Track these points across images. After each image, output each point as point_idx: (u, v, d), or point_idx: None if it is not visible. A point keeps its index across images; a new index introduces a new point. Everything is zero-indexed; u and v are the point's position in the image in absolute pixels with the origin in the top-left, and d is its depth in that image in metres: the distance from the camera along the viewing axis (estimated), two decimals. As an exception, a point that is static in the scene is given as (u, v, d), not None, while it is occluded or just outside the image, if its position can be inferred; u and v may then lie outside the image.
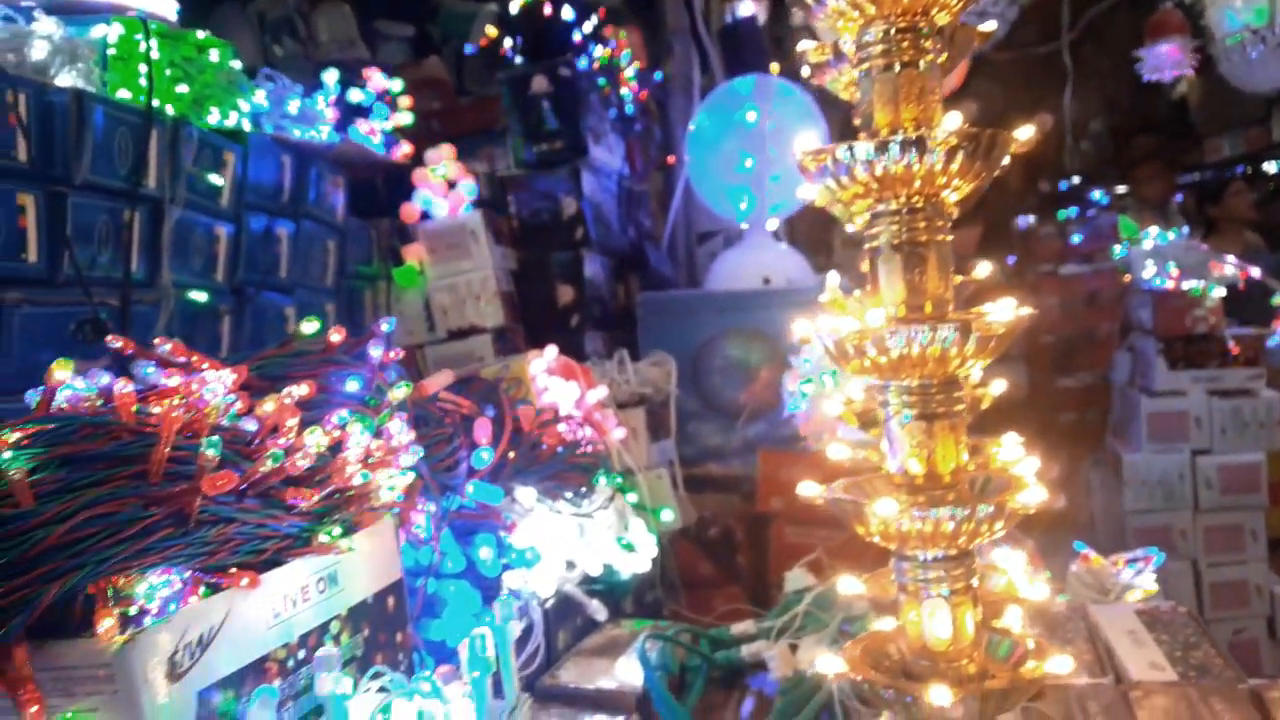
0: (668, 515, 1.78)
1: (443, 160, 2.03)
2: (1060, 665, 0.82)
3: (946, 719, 0.83)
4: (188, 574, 0.71)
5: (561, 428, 1.31)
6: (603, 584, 1.41)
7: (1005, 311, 0.81)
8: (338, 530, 0.81)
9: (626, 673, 1.22)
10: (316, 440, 0.76)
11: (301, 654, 0.79)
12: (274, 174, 1.68)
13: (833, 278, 1.22)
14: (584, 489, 1.33)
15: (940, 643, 0.85)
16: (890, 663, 0.89)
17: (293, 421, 0.77)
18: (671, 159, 2.71)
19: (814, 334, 0.86)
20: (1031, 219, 3.78)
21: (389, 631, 0.89)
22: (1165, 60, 3.45)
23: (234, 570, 0.73)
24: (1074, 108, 4.06)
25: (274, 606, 0.77)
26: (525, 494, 1.28)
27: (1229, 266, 2.79)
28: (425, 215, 2.03)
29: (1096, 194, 3.88)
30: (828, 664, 0.88)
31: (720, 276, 2.54)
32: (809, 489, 0.89)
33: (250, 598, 0.74)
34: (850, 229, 1.16)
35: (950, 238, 0.85)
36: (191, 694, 0.68)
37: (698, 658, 1.25)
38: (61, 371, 0.68)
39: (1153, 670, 1.25)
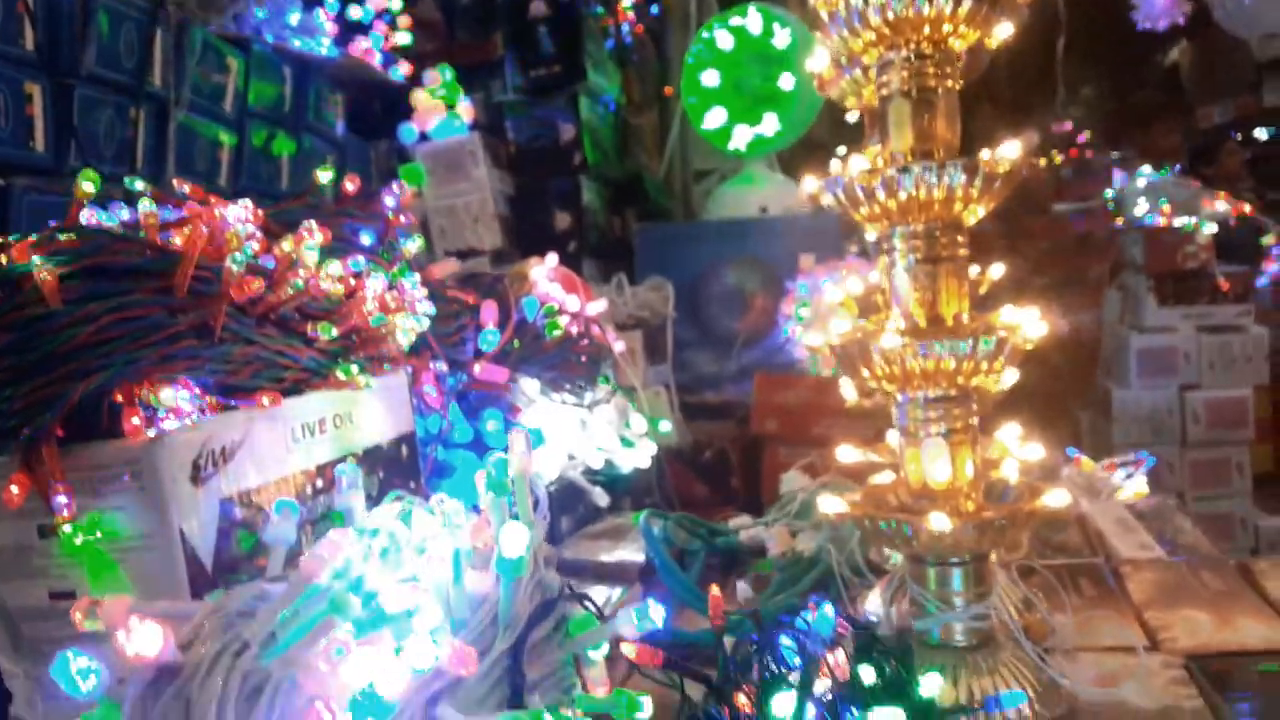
0: (665, 426, 1.80)
1: (441, 81, 2.03)
2: (1057, 498, 0.85)
3: (944, 548, 0.85)
4: (210, 394, 0.72)
5: (564, 319, 1.32)
6: (603, 477, 1.43)
7: (1010, 150, 0.83)
8: (355, 369, 0.82)
9: (629, 552, 1.24)
10: (334, 271, 0.78)
11: (319, 483, 0.81)
12: (276, 86, 1.68)
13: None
14: (585, 383, 1.35)
15: (940, 484, 0.88)
16: (890, 507, 0.91)
17: (311, 259, 0.78)
18: (669, 90, 2.72)
19: (824, 185, 0.88)
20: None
21: (403, 478, 0.91)
22: (1158, 9, 3.47)
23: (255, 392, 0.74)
24: (1066, 69, 4.06)
25: (293, 433, 0.78)
26: (529, 384, 1.30)
27: (1220, 203, 2.82)
28: (424, 137, 2.03)
29: (1087, 135, 3.89)
30: (829, 504, 0.90)
31: (717, 207, 2.55)
32: (814, 339, 0.91)
33: (270, 421, 0.76)
34: (852, 117, 1.18)
35: (958, 85, 0.87)
36: (214, 501, 0.70)
37: (697, 540, 1.28)
38: (88, 183, 0.69)
39: (1142, 550, 1.28)
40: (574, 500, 1.35)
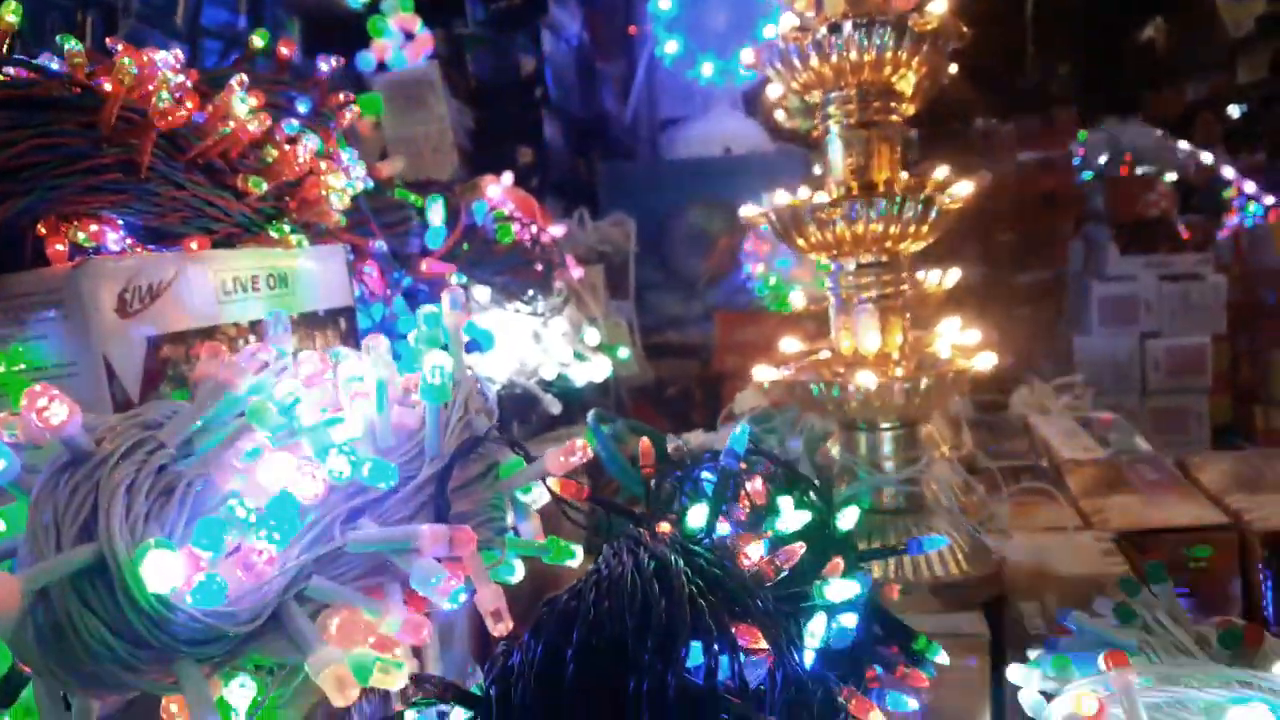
0: (624, 352, 1.81)
1: (399, 10, 2.02)
2: (985, 360, 0.86)
3: (873, 410, 0.87)
4: (138, 239, 0.73)
5: (516, 228, 1.32)
6: (557, 389, 1.44)
7: (938, 6, 0.84)
8: (287, 228, 0.83)
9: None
10: (262, 122, 0.78)
11: (252, 338, 0.81)
12: (230, 6, 1.67)
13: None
14: (538, 292, 1.36)
15: (870, 350, 0.89)
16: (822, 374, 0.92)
17: (242, 110, 0.78)
18: (633, 29, 2.71)
19: (760, 52, 0.89)
20: (993, 121, 3.81)
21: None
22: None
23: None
24: (1043, 50, 4.07)
25: (224, 285, 0.78)
26: (480, 291, 1.30)
27: (1181, 152, 2.84)
28: (382, 66, 2.02)
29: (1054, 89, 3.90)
30: (763, 373, 0.91)
31: (682, 146, 2.55)
32: (750, 210, 0.92)
33: (201, 268, 0.76)
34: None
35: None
36: (142, 336, 0.70)
37: (648, 443, 1.28)
38: (11, 15, 0.69)
39: (1084, 451, 1.30)
40: (526, 409, 1.35)
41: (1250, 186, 3.22)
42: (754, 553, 0.58)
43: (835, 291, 0.90)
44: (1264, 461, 1.18)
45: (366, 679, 0.57)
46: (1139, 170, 2.89)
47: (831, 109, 0.88)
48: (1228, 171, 3.19)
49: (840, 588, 0.58)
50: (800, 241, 0.88)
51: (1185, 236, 2.93)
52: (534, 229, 1.37)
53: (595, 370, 1.49)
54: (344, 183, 0.86)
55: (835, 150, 0.88)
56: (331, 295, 0.93)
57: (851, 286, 0.88)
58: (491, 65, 2.22)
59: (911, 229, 0.84)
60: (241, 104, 0.78)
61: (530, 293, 1.35)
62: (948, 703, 0.77)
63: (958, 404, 1.61)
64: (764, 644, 0.52)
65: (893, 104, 0.87)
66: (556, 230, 1.72)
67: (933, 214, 0.83)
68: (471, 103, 2.22)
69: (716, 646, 0.50)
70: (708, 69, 2.50)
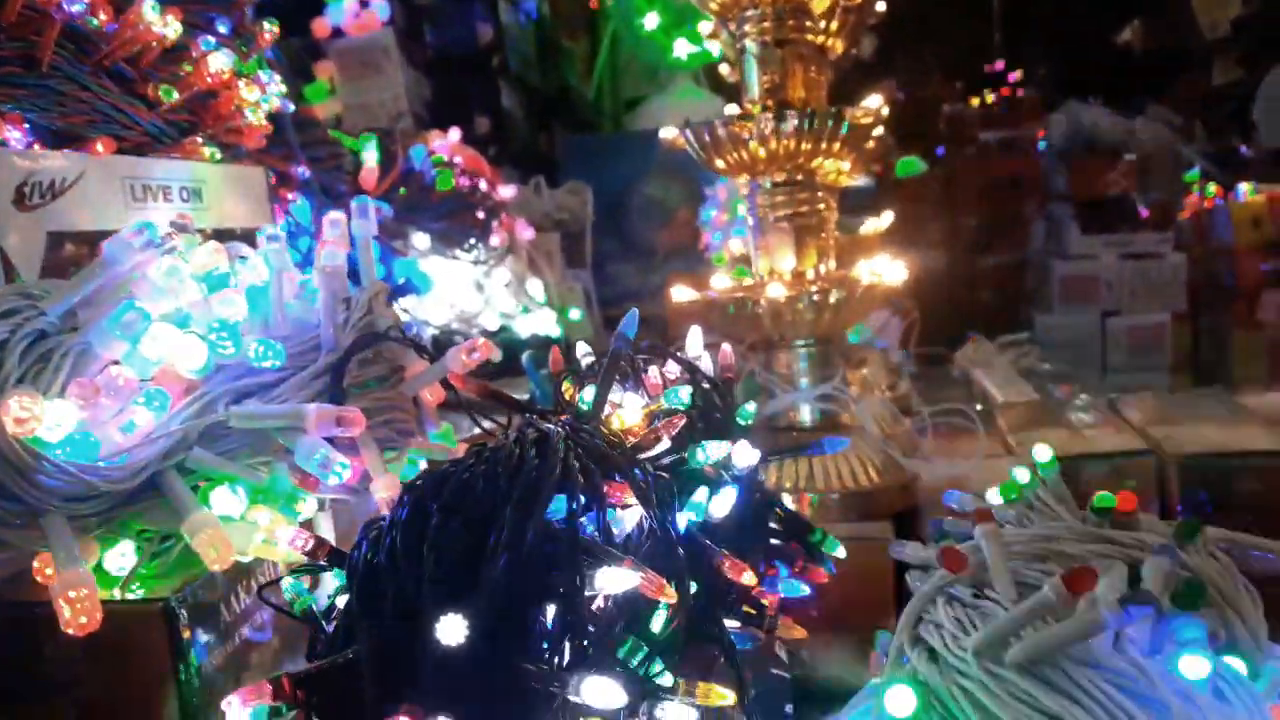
0: (575, 314, 1.81)
1: (354, -23, 2.02)
2: (895, 272, 0.87)
3: (787, 324, 0.87)
4: (43, 141, 0.73)
5: (455, 174, 1.33)
6: (501, 340, 1.44)
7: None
8: (199, 140, 0.83)
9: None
10: (175, 30, 0.78)
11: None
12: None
13: None
14: (478, 239, 1.36)
15: (786, 269, 0.90)
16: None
17: (154, 19, 0.78)
18: (594, 2, 2.72)
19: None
20: (959, 105, 3.83)
21: (258, 269, 0.91)
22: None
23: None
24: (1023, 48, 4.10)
25: (133, 191, 0.78)
26: (420, 237, 1.31)
27: (1139, 129, 2.87)
28: (337, 32, 2.02)
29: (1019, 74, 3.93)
30: (680, 294, 0.92)
31: (643, 120, 2.56)
32: (669, 131, 0.92)
33: (107, 171, 0.76)
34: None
35: None
36: (41, 231, 0.70)
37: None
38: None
39: (1019, 395, 1.31)
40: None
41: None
42: (637, 426, 0.59)
43: (753, 212, 0.91)
44: (1190, 400, 1.19)
45: (241, 547, 0.57)
46: (1099, 148, 2.91)
47: (747, 27, 0.88)
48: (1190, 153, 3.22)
49: (713, 449, 0.58)
50: (720, 163, 0.89)
51: (1145, 215, 2.95)
52: (475, 177, 1.37)
53: (540, 323, 1.50)
54: (258, 96, 0.86)
55: (751, 69, 0.89)
56: (250, 215, 0.93)
57: (767, 206, 0.89)
58: (449, 35, 2.22)
59: (824, 145, 0.85)
60: (154, 13, 0.78)
61: (471, 241, 1.36)
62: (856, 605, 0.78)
63: (900, 355, 1.63)
64: (633, 501, 0.53)
65: (807, 23, 0.88)
66: (507, 191, 1.73)
67: (843, 130, 0.84)
68: (429, 72, 2.22)
69: (582, 499, 0.51)
70: (681, 46, 2.50)
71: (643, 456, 0.59)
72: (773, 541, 0.72)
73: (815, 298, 0.84)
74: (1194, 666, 0.42)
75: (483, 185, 1.40)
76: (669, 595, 0.48)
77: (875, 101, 0.84)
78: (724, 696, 0.51)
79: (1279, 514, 0.94)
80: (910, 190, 3.97)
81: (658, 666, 0.50)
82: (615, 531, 0.53)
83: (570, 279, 2.15)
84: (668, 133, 0.92)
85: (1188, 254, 3.09)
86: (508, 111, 2.24)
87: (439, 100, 2.22)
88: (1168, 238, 2.97)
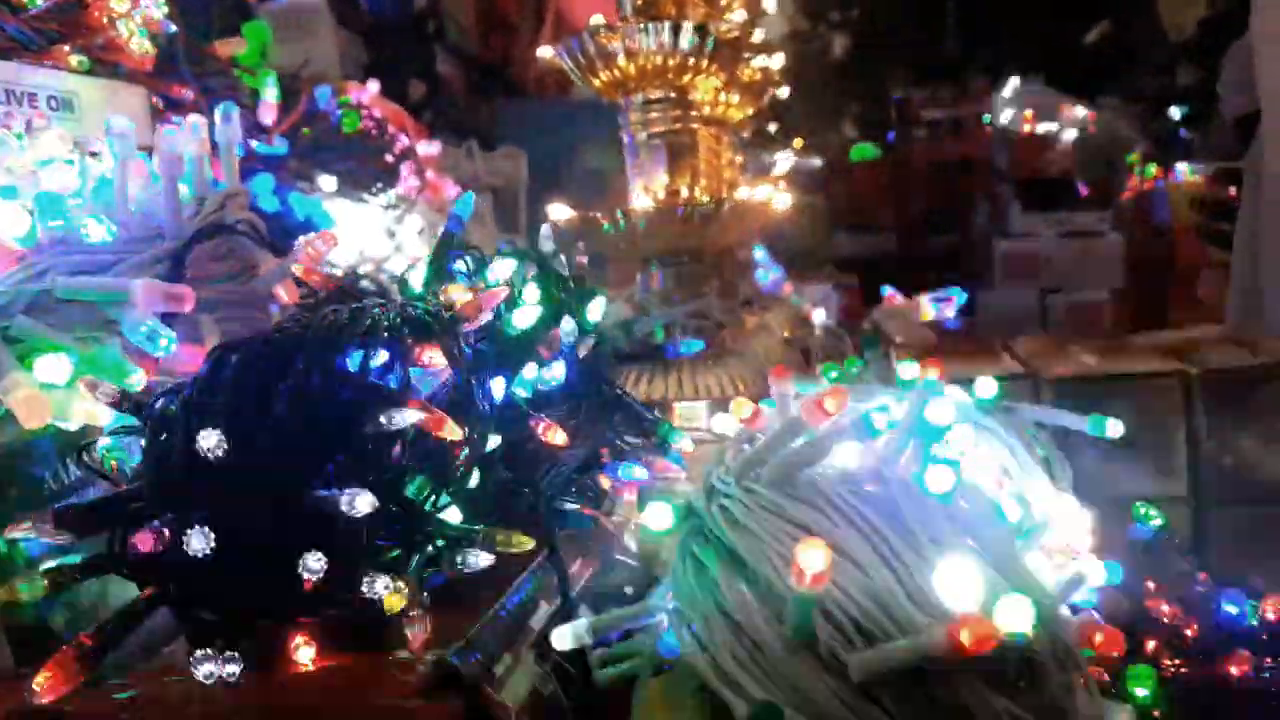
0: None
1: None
2: (779, 200, 0.89)
3: (657, 240, 0.89)
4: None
5: (359, 116, 1.33)
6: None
7: None
8: (66, 49, 0.83)
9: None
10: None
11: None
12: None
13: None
14: (386, 183, 1.36)
15: (660, 185, 0.91)
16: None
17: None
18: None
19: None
20: (909, 90, 3.87)
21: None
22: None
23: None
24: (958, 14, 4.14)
25: (-6, 93, 0.78)
26: (326, 180, 1.31)
27: (1079, 110, 2.90)
28: (269, -8, 2.02)
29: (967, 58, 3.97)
30: (556, 212, 0.93)
31: (585, 89, 2.57)
32: (546, 52, 0.93)
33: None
34: None
35: None
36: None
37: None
38: None
39: (916, 337, 1.33)
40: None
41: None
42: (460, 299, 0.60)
43: (627, 130, 0.92)
44: (1077, 340, 1.22)
45: (65, 412, 0.58)
46: (1039, 129, 2.95)
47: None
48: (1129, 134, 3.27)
49: (525, 314, 0.59)
50: (596, 81, 0.90)
51: (1084, 194, 2.99)
52: (385, 124, 1.37)
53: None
54: (127, 6, 0.86)
55: (625, -12, 0.90)
56: (127, 131, 0.93)
57: (639, 123, 0.90)
58: (385, 1, 2.22)
59: (691, 61, 0.86)
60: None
61: (378, 184, 1.36)
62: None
63: (822, 317, 1.65)
64: (442, 361, 0.54)
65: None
66: (431, 148, 1.73)
67: (709, 44, 0.85)
68: (365, 37, 2.22)
69: (385, 352, 0.52)
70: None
71: (469, 328, 0.60)
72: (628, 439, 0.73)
73: (682, 213, 0.85)
74: (939, 479, 0.43)
75: (391, 129, 1.40)
76: (451, 431, 0.49)
77: (740, 16, 0.85)
78: (524, 542, 0.52)
79: (1149, 427, 0.97)
80: (862, 173, 4.01)
81: (455, 511, 0.51)
82: (424, 388, 0.54)
83: (503, 246, 2.15)
84: (544, 52, 0.92)
85: (1129, 233, 3.14)
86: (443, 78, 2.24)
87: (375, 65, 2.21)
88: (1106, 216, 3.01)
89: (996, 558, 0.39)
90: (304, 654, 0.48)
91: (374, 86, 1.61)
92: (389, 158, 1.37)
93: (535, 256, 0.72)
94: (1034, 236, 3.00)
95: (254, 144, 1.19)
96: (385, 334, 0.52)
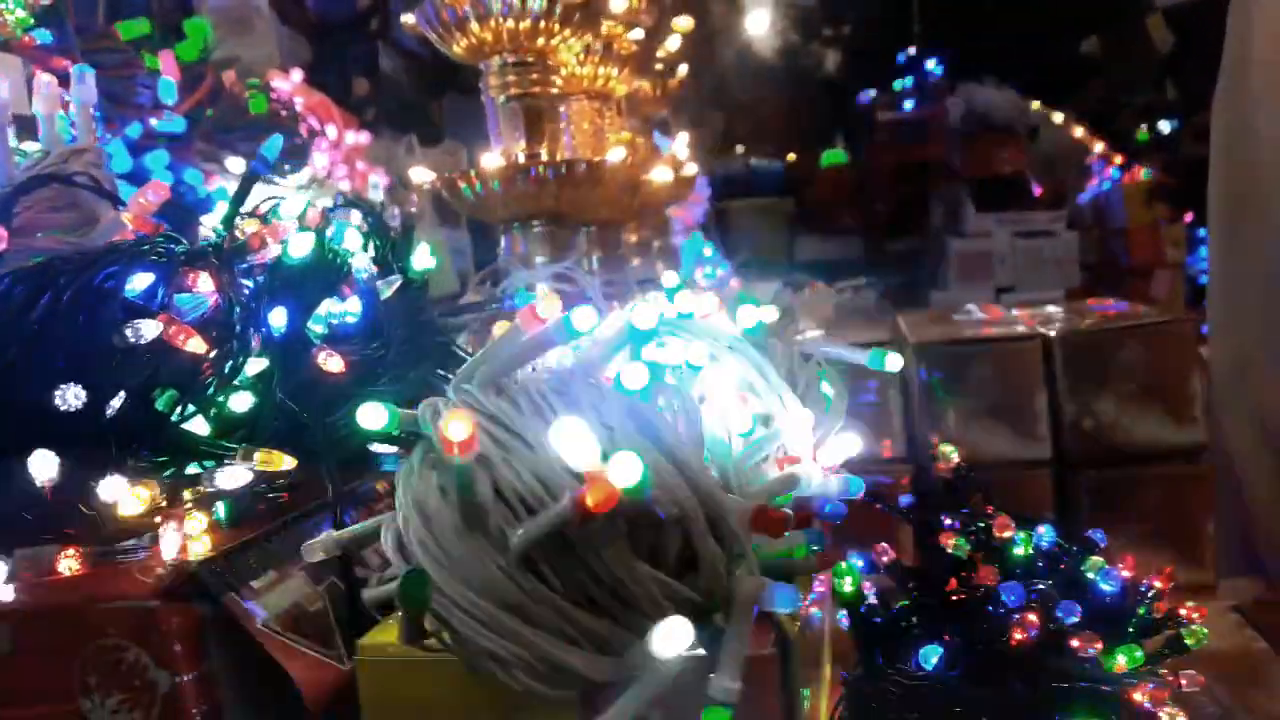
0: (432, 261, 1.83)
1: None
2: (660, 173, 0.90)
3: (516, 208, 0.90)
4: None
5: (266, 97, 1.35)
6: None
7: None
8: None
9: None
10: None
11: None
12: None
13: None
14: (294, 165, 1.38)
15: (518, 147, 0.92)
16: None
17: None
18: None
19: None
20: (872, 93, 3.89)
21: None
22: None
23: None
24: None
25: None
26: (234, 161, 1.32)
27: (1035, 109, 2.93)
28: (208, -12, 2.04)
29: (931, 63, 3.99)
30: (418, 175, 0.94)
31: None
32: (409, 19, 0.95)
33: None
34: None
35: None
36: None
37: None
38: None
39: (822, 314, 1.35)
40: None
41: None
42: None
43: (486, 94, 0.94)
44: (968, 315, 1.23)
45: None
46: (989, 126, 2.97)
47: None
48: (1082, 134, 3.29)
49: (299, 244, 0.61)
50: (456, 48, 0.92)
51: (1038, 194, 3.01)
52: (288, 100, 1.39)
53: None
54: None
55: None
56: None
57: (498, 87, 0.92)
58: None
59: (543, 25, 0.87)
60: None
61: (287, 166, 1.37)
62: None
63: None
64: (210, 287, 0.55)
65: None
66: (359, 138, 1.74)
67: (558, 9, 0.87)
68: (308, 34, 2.25)
69: (150, 274, 0.53)
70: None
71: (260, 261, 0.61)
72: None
73: (533, 174, 0.87)
74: (632, 376, 0.44)
75: (301, 112, 1.42)
76: (196, 345, 0.50)
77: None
78: (280, 460, 0.53)
79: (1011, 391, 0.98)
80: (828, 177, 4.03)
81: (202, 423, 0.53)
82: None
83: (444, 236, 2.17)
84: (408, 19, 0.94)
85: (1087, 233, 3.16)
86: (386, 75, 2.26)
87: (319, 62, 2.23)
88: (1061, 215, 3.03)
89: (675, 450, 0.41)
90: (65, 564, 0.49)
91: (297, 76, 1.63)
92: (297, 140, 1.38)
93: (358, 205, 0.73)
94: (988, 236, 3.02)
95: (153, 121, 1.20)
96: (153, 260, 0.54)
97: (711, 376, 0.52)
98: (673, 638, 0.37)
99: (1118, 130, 3.53)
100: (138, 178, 1.17)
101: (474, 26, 0.88)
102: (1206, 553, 0.96)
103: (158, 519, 0.50)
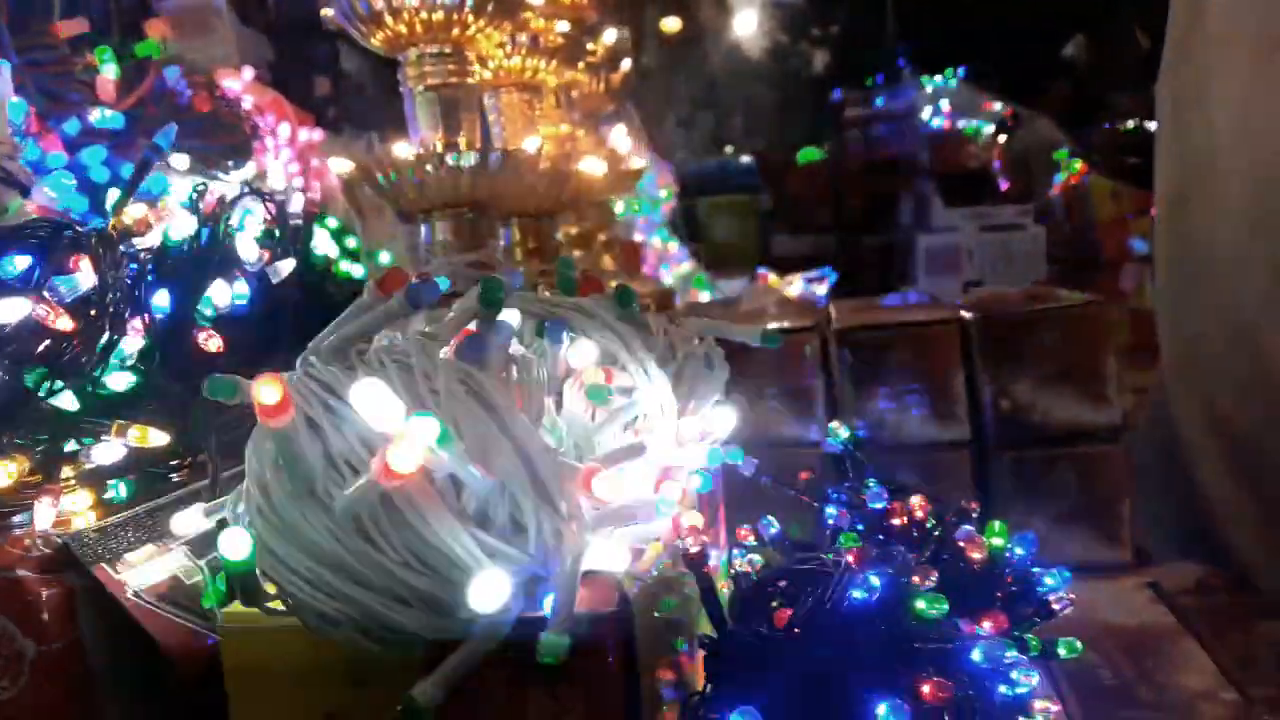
0: (385, 257, 1.84)
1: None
2: (590, 165, 0.92)
3: (431, 195, 0.91)
4: None
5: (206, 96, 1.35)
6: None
7: None
8: None
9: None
10: None
11: None
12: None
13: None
14: (235, 160, 1.38)
15: (434, 136, 0.93)
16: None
17: None
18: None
19: None
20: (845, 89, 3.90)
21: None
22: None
23: None
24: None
25: None
26: (179, 159, 1.33)
27: (997, 104, 2.95)
28: (167, -13, 2.05)
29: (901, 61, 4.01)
30: (337, 165, 0.95)
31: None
32: (328, 11, 0.96)
33: None
34: None
35: None
36: None
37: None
38: None
39: (752, 305, 1.36)
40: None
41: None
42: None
43: (404, 85, 0.94)
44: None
45: None
46: (959, 124, 2.99)
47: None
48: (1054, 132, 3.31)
49: (179, 225, 0.62)
50: (374, 40, 0.93)
51: (1005, 188, 3.03)
52: (232, 99, 1.40)
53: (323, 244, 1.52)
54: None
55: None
56: (-80, 94, 0.95)
57: (416, 77, 0.93)
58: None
59: (456, 16, 0.88)
60: None
61: (230, 162, 1.38)
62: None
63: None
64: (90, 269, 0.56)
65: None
66: (313, 134, 1.75)
67: (469, 2, 0.88)
68: (270, 34, 2.25)
69: (27, 257, 0.54)
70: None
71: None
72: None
73: (447, 162, 0.88)
74: (472, 344, 0.46)
75: (246, 110, 1.43)
76: (64, 324, 0.51)
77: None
78: (154, 437, 0.54)
79: (929, 376, 1.00)
80: (803, 175, 4.05)
81: (71, 398, 0.54)
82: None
83: (404, 234, 2.18)
84: (327, 11, 0.95)
85: (1056, 228, 3.18)
86: (348, 73, 2.27)
87: (281, 62, 2.24)
88: (1028, 210, 3.05)
89: (503, 414, 0.42)
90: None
91: (248, 74, 1.64)
92: (239, 136, 1.39)
93: (258, 192, 0.75)
94: (955, 230, 3.04)
95: (91, 118, 1.21)
96: (31, 243, 0.55)
97: (577, 350, 0.53)
98: (488, 591, 0.38)
99: (1092, 128, 3.56)
100: (74, 173, 1.18)
101: (388, 20, 0.88)
102: (1122, 531, 0.98)
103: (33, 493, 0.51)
